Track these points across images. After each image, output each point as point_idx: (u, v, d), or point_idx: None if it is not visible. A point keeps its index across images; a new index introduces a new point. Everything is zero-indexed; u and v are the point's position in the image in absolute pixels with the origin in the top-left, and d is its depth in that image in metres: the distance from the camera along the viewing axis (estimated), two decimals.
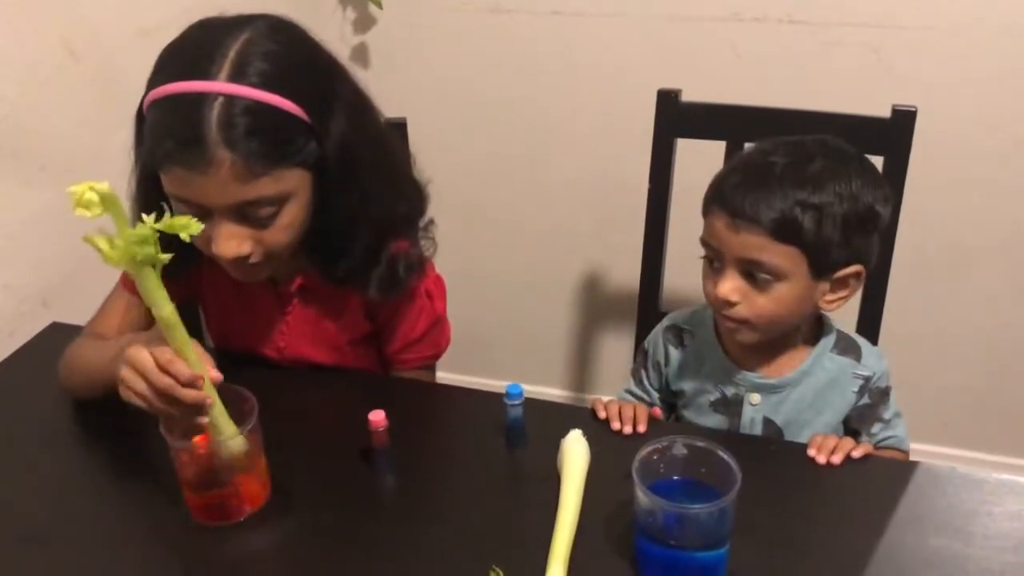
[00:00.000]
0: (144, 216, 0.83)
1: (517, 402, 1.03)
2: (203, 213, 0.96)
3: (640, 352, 1.29)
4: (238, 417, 0.95)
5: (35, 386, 1.18)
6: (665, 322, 1.26)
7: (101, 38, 1.42)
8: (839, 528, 0.94)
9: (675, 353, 1.22)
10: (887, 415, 1.16)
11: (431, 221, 1.20)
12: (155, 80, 0.97)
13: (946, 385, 1.88)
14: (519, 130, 1.92)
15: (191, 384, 0.89)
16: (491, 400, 1.10)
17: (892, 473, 1.02)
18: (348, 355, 1.24)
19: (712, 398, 1.16)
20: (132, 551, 0.94)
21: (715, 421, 1.17)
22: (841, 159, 1.05)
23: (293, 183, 0.99)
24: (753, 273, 1.03)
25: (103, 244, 0.82)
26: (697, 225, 1.45)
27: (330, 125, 1.00)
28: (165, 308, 0.87)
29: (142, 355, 0.90)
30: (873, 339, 1.35)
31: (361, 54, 1.92)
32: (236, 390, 0.97)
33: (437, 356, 1.29)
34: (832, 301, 1.07)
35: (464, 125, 1.94)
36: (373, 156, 1.07)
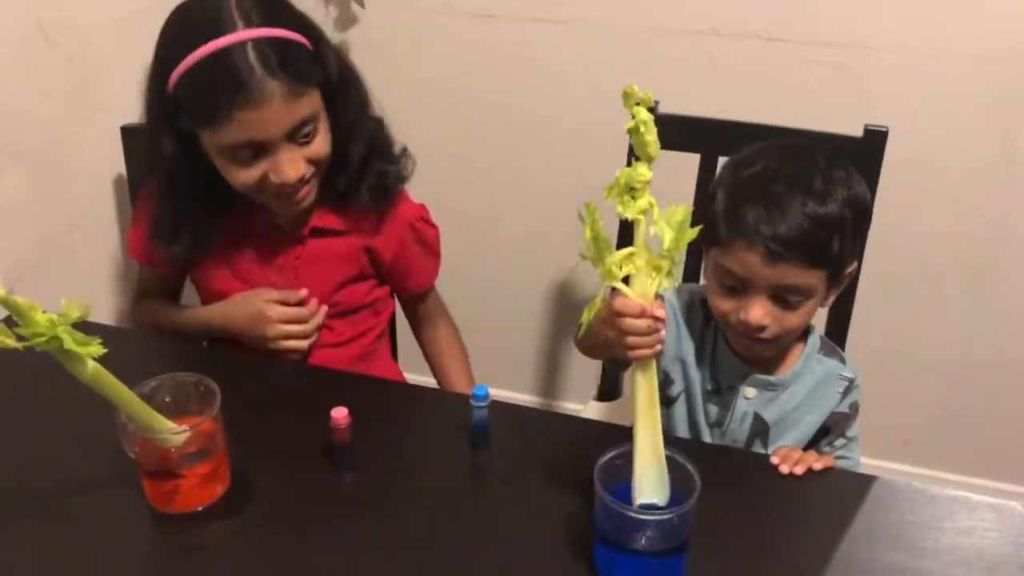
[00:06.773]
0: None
1: (482, 404, 1.03)
2: (258, 152, 1.12)
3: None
4: (200, 407, 0.95)
5: None
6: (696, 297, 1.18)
7: (78, 24, 1.41)
8: (797, 537, 0.96)
9: (686, 331, 1.17)
10: (851, 433, 1.18)
11: (405, 148, 1.32)
12: (172, 56, 1.09)
13: (909, 402, 1.90)
14: (496, 134, 1.92)
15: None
16: (456, 401, 1.10)
17: (850, 486, 1.04)
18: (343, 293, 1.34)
19: (708, 387, 1.16)
20: (90, 538, 0.94)
21: (707, 411, 1.17)
22: (831, 162, 1.06)
23: (317, 101, 1.15)
24: (784, 296, 1.04)
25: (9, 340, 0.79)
26: None
27: (324, 51, 1.17)
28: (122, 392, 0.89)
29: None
30: None
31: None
32: (200, 379, 0.97)
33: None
34: (830, 299, 1.10)
35: (442, 126, 1.94)
36: (356, 81, 1.23)
